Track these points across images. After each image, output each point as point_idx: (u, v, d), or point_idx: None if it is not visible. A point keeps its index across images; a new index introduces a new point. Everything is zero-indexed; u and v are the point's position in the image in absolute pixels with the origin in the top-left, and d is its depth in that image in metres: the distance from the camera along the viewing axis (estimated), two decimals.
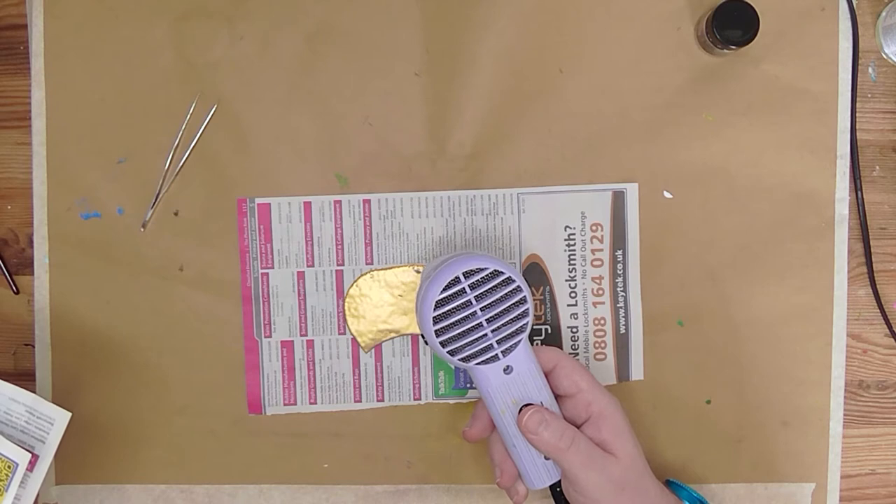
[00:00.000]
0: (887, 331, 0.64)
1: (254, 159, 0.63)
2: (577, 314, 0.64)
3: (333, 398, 0.64)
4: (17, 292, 0.65)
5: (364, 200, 0.63)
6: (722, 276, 0.63)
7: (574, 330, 0.64)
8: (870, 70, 0.64)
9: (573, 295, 0.64)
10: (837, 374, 0.64)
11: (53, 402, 0.63)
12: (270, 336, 0.64)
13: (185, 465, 0.64)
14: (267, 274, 0.63)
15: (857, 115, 0.63)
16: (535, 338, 0.64)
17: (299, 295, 0.64)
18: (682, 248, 0.63)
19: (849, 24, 0.62)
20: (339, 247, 0.63)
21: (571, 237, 0.63)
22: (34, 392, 0.63)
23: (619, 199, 0.63)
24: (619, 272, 0.63)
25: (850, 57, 0.62)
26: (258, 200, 0.63)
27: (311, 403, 0.64)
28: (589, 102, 0.63)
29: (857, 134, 0.63)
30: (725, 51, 0.60)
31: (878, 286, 0.64)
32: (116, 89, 0.63)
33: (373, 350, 0.64)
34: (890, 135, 0.64)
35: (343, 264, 0.63)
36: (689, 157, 0.63)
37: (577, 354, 0.64)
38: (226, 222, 0.64)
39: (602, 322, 0.64)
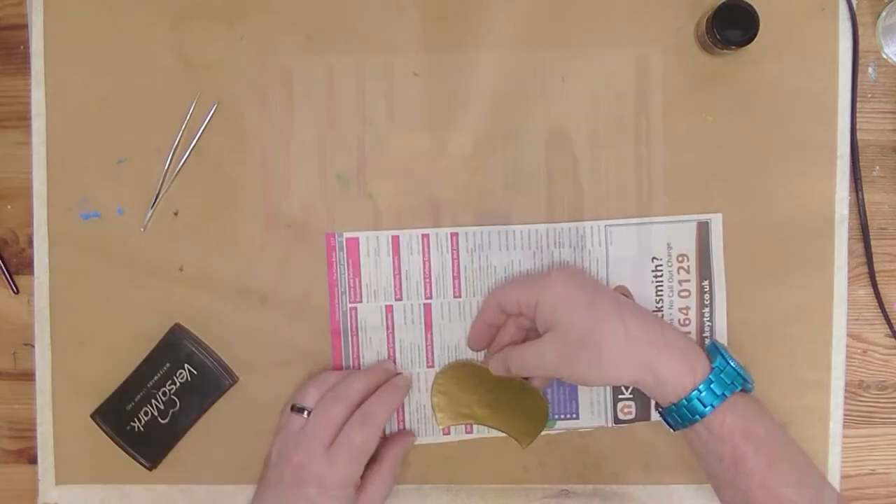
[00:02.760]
0: (887, 331, 0.64)
1: (254, 159, 0.63)
2: None
3: (423, 431, 0.64)
4: (17, 292, 0.65)
5: (451, 234, 0.63)
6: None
7: None
8: (870, 70, 0.64)
9: None
10: (837, 375, 0.63)
11: (53, 403, 0.63)
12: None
13: (186, 465, 0.64)
14: (356, 308, 0.63)
15: (857, 115, 0.63)
16: None
17: (388, 329, 0.63)
18: None
19: (849, 24, 0.62)
20: (427, 280, 0.63)
21: (658, 268, 0.63)
22: (34, 391, 0.63)
23: (703, 230, 0.63)
24: (706, 302, 0.63)
25: (850, 57, 0.62)
26: (346, 235, 0.63)
27: None
28: (588, 102, 0.63)
29: (857, 134, 0.63)
30: (725, 51, 0.60)
31: (878, 286, 0.64)
32: (116, 89, 0.63)
33: None
34: (890, 135, 0.64)
35: (431, 297, 0.63)
36: (688, 156, 0.63)
37: None
38: (226, 222, 0.63)
39: None
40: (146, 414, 0.62)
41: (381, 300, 0.63)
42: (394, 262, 0.63)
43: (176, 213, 0.64)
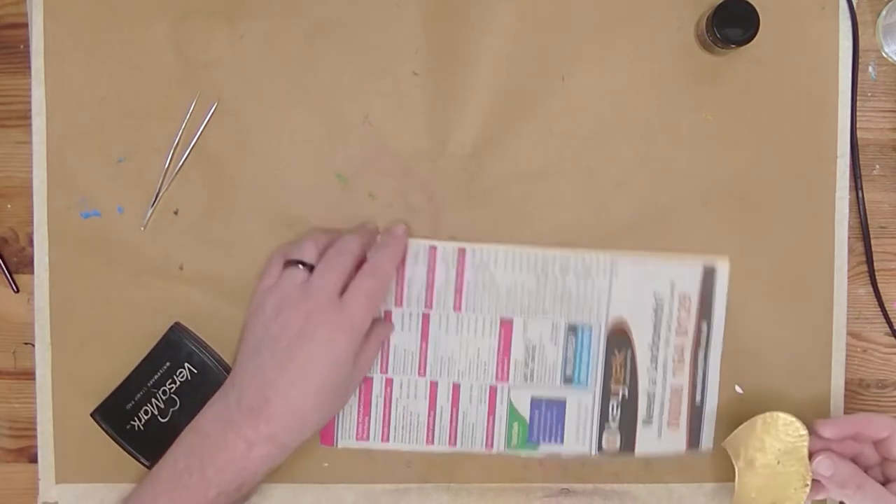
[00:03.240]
0: (887, 329, 0.64)
1: (254, 159, 0.63)
2: (655, 380, 0.63)
3: (406, 438, 0.64)
4: (17, 291, 0.65)
5: (459, 249, 0.63)
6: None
7: (651, 396, 0.63)
8: (870, 69, 0.64)
9: (654, 361, 0.63)
10: (837, 374, 0.64)
11: (53, 402, 0.63)
12: None
13: None
14: None
15: (857, 114, 0.63)
16: (611, 399, 0.64)
17: None
18: None
19: (849, 23, 0.62)
20: (430, 291, 0.63)
21: (659, 305, 0.63)
22: (34, 390, 0.63)
23: (709, 276, 0.63)
24: (701, 343, 0.63)
25: (850, 56, 0.62)
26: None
27: (383, 441, 0.64)
28: (588, 102, 0.63)
29: (857, 133, 0.63)
30: (725, 50, 0.60)
31: (878, 285, 0.64)
32: (116, 89, 0.63)
33: (450, 395, 0.63)
34: (890, 134, 0.64)
35: (431, 308, 0.63)
36: (688, 155, 0.63)
37: (651, 420, 0.64)
38: (226, 222, 0.64)
39: (679, 390, 0.64)
40: (146, 413, 0.62)
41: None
42: (399, 269, 0.63)
43: (176, 213, 0.64)
